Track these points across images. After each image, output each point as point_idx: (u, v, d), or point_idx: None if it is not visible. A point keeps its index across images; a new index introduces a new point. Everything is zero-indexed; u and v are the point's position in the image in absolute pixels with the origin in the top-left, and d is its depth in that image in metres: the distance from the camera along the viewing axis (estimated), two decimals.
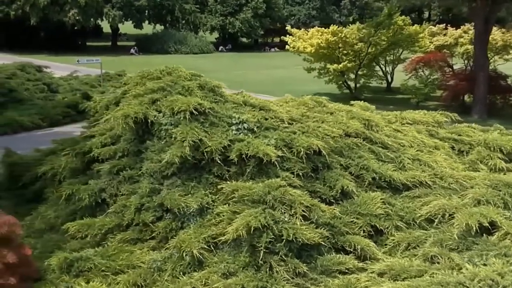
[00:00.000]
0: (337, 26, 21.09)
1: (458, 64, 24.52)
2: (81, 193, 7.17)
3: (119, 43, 55.44)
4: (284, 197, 6.42)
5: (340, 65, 20.68)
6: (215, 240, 6.32)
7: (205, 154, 6.90)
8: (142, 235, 6.77)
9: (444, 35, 25.11)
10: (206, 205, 6.65)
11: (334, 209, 6.60)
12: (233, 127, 7.37)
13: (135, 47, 48.87)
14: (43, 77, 21.12)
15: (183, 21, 53.34)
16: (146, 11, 50.98)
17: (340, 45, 20.90)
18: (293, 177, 6.97)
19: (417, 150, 8.48)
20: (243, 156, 6.88)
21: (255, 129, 7.39)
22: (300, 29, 62.47)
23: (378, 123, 8.57)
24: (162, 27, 56.42)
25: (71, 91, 20.57)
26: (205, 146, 6.90)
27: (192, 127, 7.05)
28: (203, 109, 7.33)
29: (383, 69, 24.90)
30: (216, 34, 58.59)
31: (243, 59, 47.00)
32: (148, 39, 52.85)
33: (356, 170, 7.56)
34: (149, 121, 7.39)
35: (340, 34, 20.57)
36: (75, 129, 16.89)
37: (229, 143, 7.03)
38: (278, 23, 59.14)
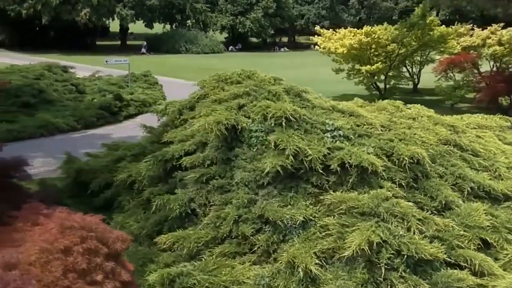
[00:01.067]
0: (370, 27, 20.73)
1: (483, 65, 24.19)
2: (171, 203, 6.81)
3: (128, 43, 55.02)
4: (395, 209, 6.10)
5: (373, 67, 20.36)
6: (324, 255, 6.00)
7: (304, 162, 6.56)
8: (241, 248, 6.43)
9: (471, 36, 24.76)
10: (310, 217, 6.31)
11: (449, 222, 6.27)
12: (328, 134, 7.04)
13: (146, 46, 48.41)
14: (70, 77, 20.75)
15: (193, 20, 52.94)
16: (157, 10, 50.57)
17: (373, 46, 20.58)
18: (396, 187, 6.65)
19: (504, 157, 8.17)
20: (346, 165, 6.55)
21: (351, 136, 7.05)
22: (310, 29, 61.90)
23: (464, 129, 8.24)
24: (170, 26, 56.07)
25: (99, 92, 20.21)
26: (305, 154, 6.56)
27: (290, 135, 6.71)
28: (297, 115, 6.99)
29: (410, 70, 24.58)
30: (225, 34, 58.21)
31: (256, 59, 46.62)
32: (157, 38, 52.45)
33: (452, 179, 7.25)
34: (238, 127, 7.04)
35: (373, 35, 20.25)
36: (110, 131, 16.60)
37: (328, 151, 6.70)
38: (288, 23, 58.81)
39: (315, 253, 5.92)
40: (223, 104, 7.41)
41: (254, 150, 7.01)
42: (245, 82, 7.90)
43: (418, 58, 24.23)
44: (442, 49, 21.88)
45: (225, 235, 6.45)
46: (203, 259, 6.35)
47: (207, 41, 51.84)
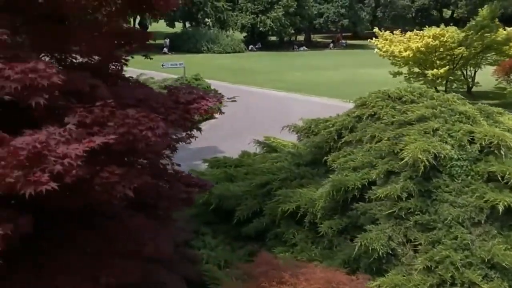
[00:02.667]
0: (440, 29, 19.90)
1: None
2: (374, 242, 5.98)
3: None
4: None
5: (441, 70, 19.53)
6: None
7: None
8: None
9: None
10: None
11: None
12: None
13: (168, 46, 47.41)
14: None
15: (214, 19, 52.00)
16: (178, 9, 49.58)
17: (440, 49, 19.76)
18: None
19: None
20: None
21: None
22: (329, 27, 60.98)
23: None
24: (190, 25, 55.11)
25: None
26: None
27: (510, 164, 5.90)
28: (506, 142, 6.18)
29: (465, 73, 23.78)
30: (244, 33, 57.28)
31: (280, 58, 45.77)
32: (178, 37, 51.42)
33: None
34: (440, 155, 6.23)
35: (441, 38, 19.42)
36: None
37: None
38: (307, 22, 57.92)
39: None
40: (413, 127, 6.58)
41: (459, 181, 6.20)
42: (424, 101, 7.05)
43: (473, 61, 23.38)
44: (505, 51, 21.07)
45: (449, 282, 5.63)
46: None
47: (228, 40, 50.91)
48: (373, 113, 7.38)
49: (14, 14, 3.36)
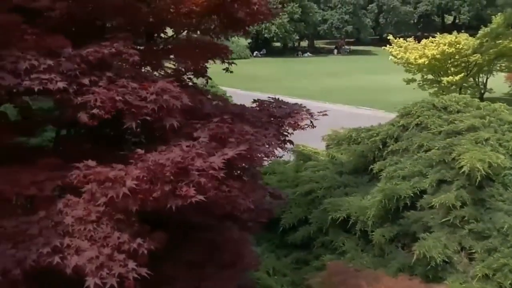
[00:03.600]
0: (455, 37, 20.09)
1: None
2: (431, 250, 6.08)
3: None
4: None
5: (457, 77, 19.72)
6: None
7: None
8: None
9: None
10: None
11: None
12: None
13: None
14: None
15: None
16: None
17: (456, 56, 19.95)
18: None
19: None
20: None
21: None
22: (333, 33, 61.03)
23: None
24: None
25: None
26: None
27: None
28: None
29: (478, 80, 23.96)
30: (249, 39, 57.47)
31: (286, 64, 45.95)
32: None
33: None
34: (494, 164, 6.35)
35: (457, 45, 19.62)
36: None
37: None
38: (312, 28, 58.24)
39: None
40: (463, 137, 6.70)
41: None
42: (471, 111, 7.18)
43: (486, 68, 23.57)
44: None
45: None
46: None
47: (233, 46, 51.03)
48: (419, 122, 7.50)
49: (127, 31, 3.49)
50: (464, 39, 20.16)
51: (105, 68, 3.13)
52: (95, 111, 2.89)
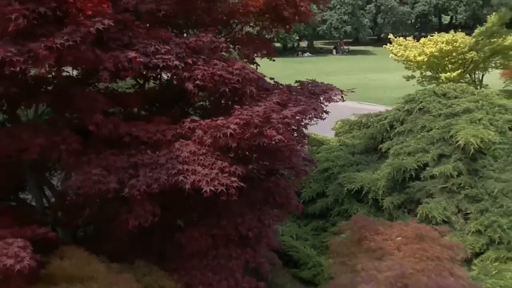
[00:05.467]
0: (452, 35, 21.27)
1: None
2: (433, 211, 7.26)
3: None
4: None
5: (454, 74, 20.89)
6: None
7: None
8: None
9: None
10: None
11: None
12: None
13: None
14: None
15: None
16: None
17: (453, 53, 21.11)
18: None
19: None
20: None
21: None
22: (332, 33, 61.82)
23: None
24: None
25: None
26: None
27: None
28: None
29: (473, 76, 25.11)
30: None
31: (288, 64, 46.90)
32: None
33: None
34: (485, 140, 7.53)
35: (455, 43, 20.79)
36: None
37: None
38: (311, 28, 59.29)
39: None
40: (460, 118, 7.88)
41: (501, 161, 7.50)
42: (467, 96, 8.36)
43: (482, 65, 24.68)
44: (511, 56, 22.40)
45: (497, 241, 6.91)
46: (477, 264, 6.83)
47: None
48: (421, 107, 8.68)
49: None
50: (461, 37, 21.30)
51: (200, 53, 4.31)
52: (198, 82, 4.06)
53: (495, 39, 21.49)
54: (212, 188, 3.68)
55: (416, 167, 7.97)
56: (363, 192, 8.28)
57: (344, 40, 64.81)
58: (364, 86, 29.50)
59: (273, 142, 3.87)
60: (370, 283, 4.59)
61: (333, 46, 63.35)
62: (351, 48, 64.51)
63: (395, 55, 22.61)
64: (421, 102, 8.73)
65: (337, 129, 11.49)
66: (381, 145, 8.84)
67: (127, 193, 3.79)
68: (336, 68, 42.20)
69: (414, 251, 5.18)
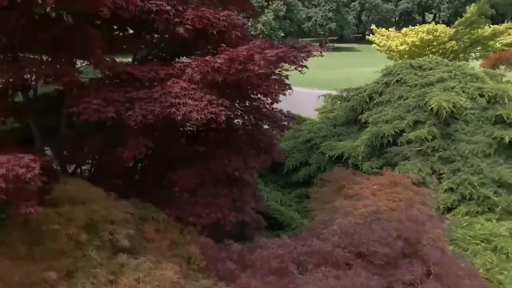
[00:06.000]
0: (432, 25, 21.86)
1: None
2: (408, 171, 7.71)
3: None
4: None
5: None
6: None
7: None
8: (481, 208, 7.38)
9: (509, 34, 25.89)
10: None
11: None
12: None
13: None
14: None
15: None
16: None
17: (434, 43, 21.70)
18: None
19: None
20: None
21: None
22: (317, 31, 62.34)
23: None
24: None
25: None
26: None
27: None
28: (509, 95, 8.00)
29: None
30: None
31: None
32: None
33: None
34: (458, 105, 8.01)
35: (435, 32, 21.38)
36: None
37: None
38: (296, 26, 59.86)
39: None
40: (434, 87, 8.36)
41: (472, 125, 7.99)
42: (441, 67, 8.84)
43: (462, 54, 25.31)
44: (491, 46, 23.06)
45: (467, 197, 7.39)
46: (449, 218, 7.29)
47: None
48: (399, 79, 9.16)
49: None
50: (441, 28, 21.94)
51: (189, 3, 4.71)
52: (188, 26, 4.45)
53: (474, 30, 22.12)
54: (202, 116, 4.08)
55: (393, 133, 8.43)
56: (344, 158, 8.71)
57: (329, 38, 65.55)
58: (350, 79, 30.05)
59: (255, 74, 4.28)
60: (346, 218, 5.01)
61: (318, 44, 63.95)
62: (336, 45, 65.12)
63: (378, 45, 23.17)
64: (398, 74, 9.20)
65: (320, 109, 11.96)
66: (360, 116, 9.28)
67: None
68: (322, 63, 42.65)
69: (388, 194, 5.63)
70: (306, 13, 63.05)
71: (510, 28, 25.79)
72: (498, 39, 24.83)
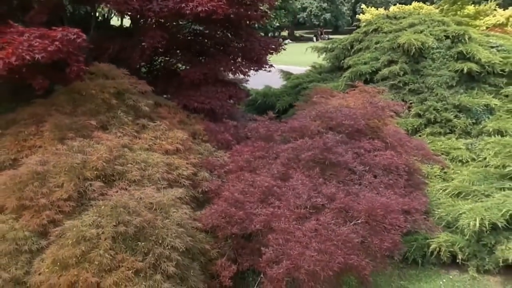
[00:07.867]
0: (419, 4, 23.07)
1: None
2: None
3: None
4: None
5: None
6: None
7: (486, 67, 8.76)
8: (443, 130, 8.56)
9: (494, 15, 27.03)
10: (495, 104, 8.50)
11: None
12: (494, 50, 9.25)
13: None
14: None
15: None
16: None
17: None
18: None
19: None
20: None
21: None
22: (312, 21, 63.01)
23: None
24: None
25: None
26: (488, 61, 8.75)
27: (474, 47, 8.90)
28: (471, 35, 9.19)
29: None
30: None
31: None
32: None
33: None
34: (425, 45, 9.19)
35: (421, 9, 22.58)
36: None
37: (501, 59, 8.90)
38: (291, 16, 60.87)
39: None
40: (406, 31, 9.55)
41: (438, 62, 9.18)
42: (412, 16, 10.04)
43: None
44: (475, 26, 24.23)
45: (432, 121, 8.58)
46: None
47: None
48: (376, 28, 10.34)
49: None
50: (427, 6, 23.16)
51: None
52: None
53: (458, 8, 23.28)
54: (206, 8, 5.23)
55: (370, 71, 9.61)
56: None
57: (324, 30, 66.63)
58: None
59: None
60: (321, 107, 6.18)
61: (313, 35, 65.12)
62: (331, 36, 66.18)
63: None
64: (376, 23, 10.39)
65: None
66: (342, 61, 10.46)
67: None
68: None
69: (357, 97, 6.80)
70: (301, 3, 64.17)
71: (494, 9, 26.95)
72: (483, 19, 25.95)
